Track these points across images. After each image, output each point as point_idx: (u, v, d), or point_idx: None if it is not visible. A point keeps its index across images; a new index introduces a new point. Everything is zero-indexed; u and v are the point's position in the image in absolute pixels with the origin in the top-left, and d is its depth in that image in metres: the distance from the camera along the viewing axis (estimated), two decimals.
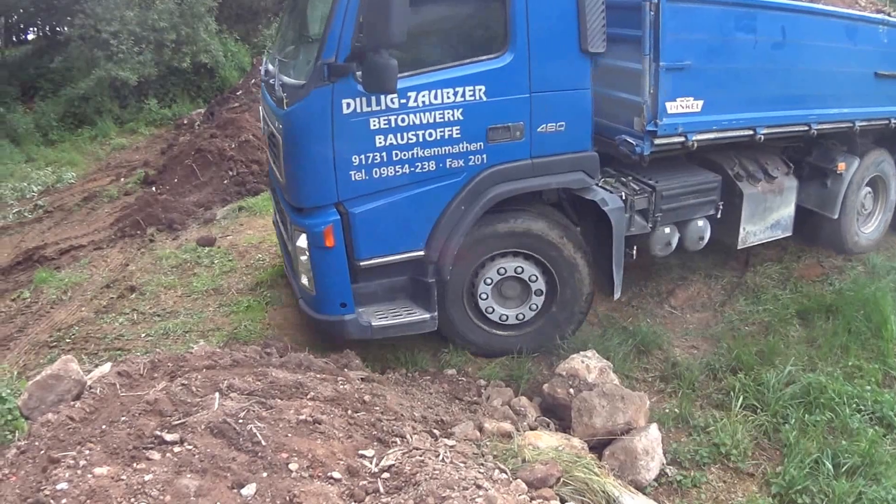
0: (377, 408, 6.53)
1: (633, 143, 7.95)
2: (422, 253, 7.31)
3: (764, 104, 9.02)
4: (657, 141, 7.91)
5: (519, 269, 7.89)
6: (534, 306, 8.20)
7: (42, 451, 5.91)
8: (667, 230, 8.85)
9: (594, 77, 7.50)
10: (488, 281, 7.90)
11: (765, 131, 9.07)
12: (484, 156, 7.07)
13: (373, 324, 7.41)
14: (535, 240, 7.76)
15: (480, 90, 6.86)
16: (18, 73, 24.42)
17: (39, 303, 10.53)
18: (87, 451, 5.56)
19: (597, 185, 8.10)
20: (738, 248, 9.94)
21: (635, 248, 8.72)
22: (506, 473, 5.51)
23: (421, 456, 5.52)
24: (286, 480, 5.21)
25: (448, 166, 7.02)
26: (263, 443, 5.51)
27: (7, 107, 21.80)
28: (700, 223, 9.24)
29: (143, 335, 9.28)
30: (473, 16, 7.17)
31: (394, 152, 6.80)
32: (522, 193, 7.59)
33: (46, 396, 6.80)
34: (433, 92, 6.75)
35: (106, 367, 7.26)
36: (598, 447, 6.73)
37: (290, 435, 5.66)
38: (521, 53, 6.91)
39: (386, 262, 7.30)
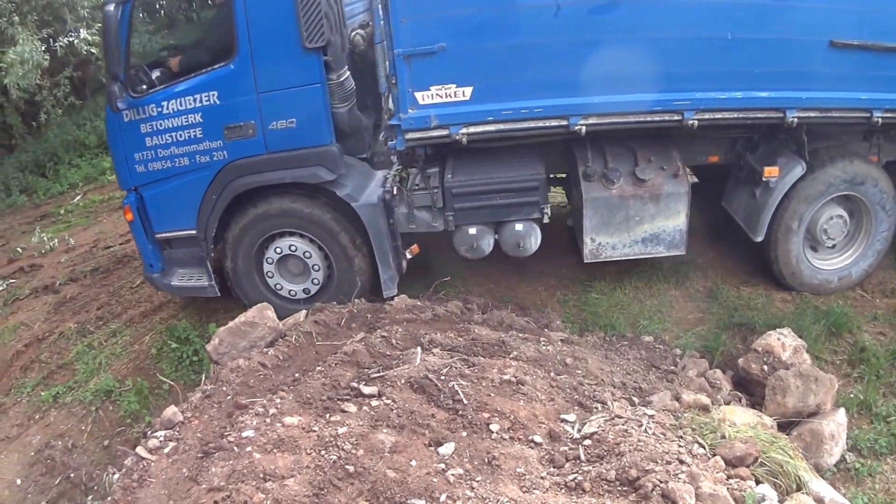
0: (579, 371, 6.34)
1: (393, 137, 7.56)
2: (194, 231, 8.14)
3: (584, 88, 7.25)
4: (409, 135, 7.35)
5: (293, 248, 8.17)
6: (315, 281, 8.34)
7: (229, 397, 5.92)
8: (472, 231, 7.89)
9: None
10: (270, 259, 8.27)
11: (586, 121, 7.35)
12: (224, 152, 7.69)
13: (172, 283, 8.54)
14: (304, 221, 8.03)
15: (214, 95, 7.52)
16: None
17: None
18: (278, 400, 5.49)
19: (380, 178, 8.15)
20: (587, 261, 8.20)
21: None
22: (704, 448, 5.23)
23: (624, 425, 5.26)
24: (486, 441, 5.01)
25: (198, 161, 7.79)
26: (465, 401, 5.32)
27: None
28: (519, 227, 7.90)
29: None
30: (209, 31, 8.07)
31: (158, 150, 7.83)
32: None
33: (238, 342, 6.83)
34: (179, 100, 7.60)
35: (301, 315, 7.14)
36: (783, 426, 6.51)
37: (492, 394, 5.46)
38: (245, 58, 7.35)
39: (175, 236, 8.32)
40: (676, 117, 7.42)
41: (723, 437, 5.41)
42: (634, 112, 7.42)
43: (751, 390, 7.23)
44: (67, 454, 8.16)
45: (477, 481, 4.64)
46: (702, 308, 8.59)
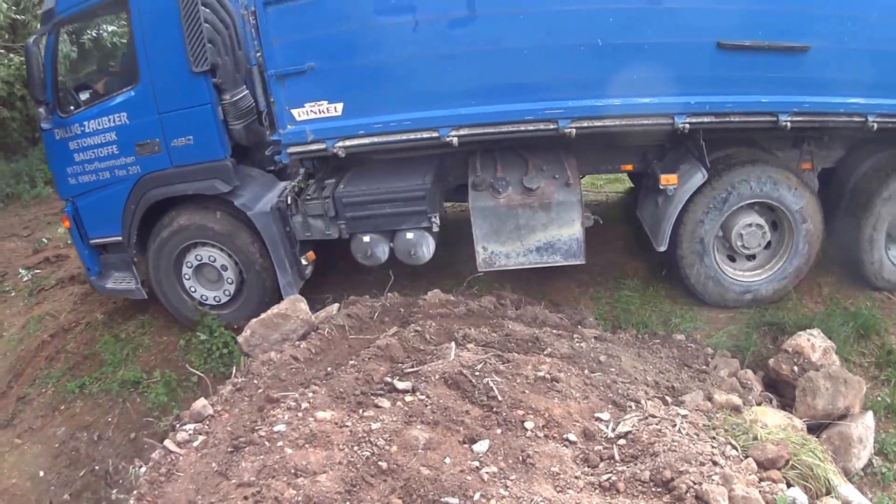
0: (612, 369, 6.27)
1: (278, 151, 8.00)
2: (120, 238, 8.74)
3: (451, 99, 7.30)
4: (290, 150, 7.76)
5: (210, 258, 8.63)
6: (227, 291, 8.78)
7: (260, 390, 5.86)
8: (366, 239, 8.08)
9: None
10: (189, 264, 8.72)
11: (457, 133, 7.37)
12: (137, 167, 8.27)
13: (107, 286, 9.18)
14: (214, 232, 8.48)
15: (124, 115, 8.10)
16: None
17: None
18: (311, 394, 5.43)
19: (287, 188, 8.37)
20: (481, 270, 8.09)
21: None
22: (736, 450, 5.13)
23: (658, 424, 5.18)
24: (520, 439, 4.94)
25: (117, 175, 8.38)
26: (500, 398, 5.24)
27: None
28: (410, 235, 7.99)
29: None
30: (122, 58, 8.71)
31: (85, 165, 8.47)
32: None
33: (270, 335, 6.81)
34: (97, 120, 8.22)
35: (333, 308, 7.10)
36: (811, 429, 6.42)
37: (527, 392, 5.39)
38: (146, 83, 7.92)
39: (107, 242, 8.93)
40: (551, 126, 7.30)
41: (755, 438, 5.33)
42: (506, 122, 7.36)
43: (781, 391, 7.19)
44: (92, 446, 8.16)
45: (511, 480, 4.57)
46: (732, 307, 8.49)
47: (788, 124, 7.33)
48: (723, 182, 7.91)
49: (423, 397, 5.22)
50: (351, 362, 5.90)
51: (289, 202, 8.12)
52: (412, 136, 7.45)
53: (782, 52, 7.09)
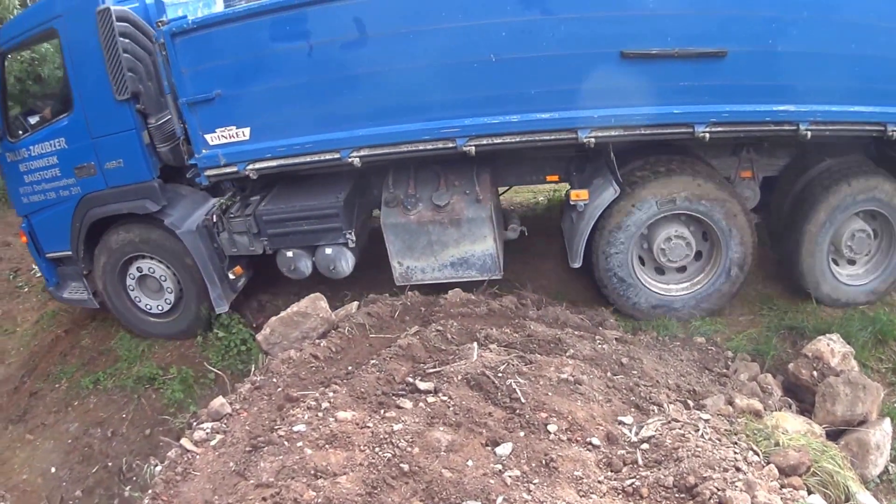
0: (634, 371, 6.20)
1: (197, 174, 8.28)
2: (69, 253, 9.08)
3: (349, 121, 7.39)
4: (207, 173, 8.05)
5: (150, 269, 8.94)
6: (168, 298, 9.05)
7: (279, 389, 5.81)
8: (289, 254, 8.35)
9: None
10: (132, 275, 9.02)
11: (358, 153, 7.47)
12: (78, 187, 8.59)
13: (63, 295, 9.58)
14: (152, 246, 8.80)
15: (63, 140, 8.45)
16: None
17: None
18: (331, 393, 5.37)
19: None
20: (398, 284, 8.15)
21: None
22: (758, 456, 5.09)
23: (681, 429, 5.11)
24: (543, 442, 4.86)
25: (61, 195, 8.73)
26: (523, 400, 5.17)
27: None
28: (328, 251, 8.20)
29: None
30: (60, 88, 8.93)
31: (34, 186, 8.85)
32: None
33: (290, 333, 6.78)
34: (40, 145, 8.60)
35: (353, 306, 7.06)
36: (829, 435, 6.33)
37: (549, 394, 5.31)
38: (79, 110, 8.23)
39: (61, 256, 9.26)
40: (450, 144, 7.27)
41: (776, 444, 5.31)
42: (405, 142, 7.38)
43: (799, 396, 7.12)
44: (106, 442, 8.13)
45: (534, 484, 4.50)
46: (753, 311, 8.46)
47: (706, 135, 7.07)
48: (637, 196, 7.70)
49: (445, 398, 5.16)
50: (372, 362, 5.86)
51: (215, 220, 8.45)
52: (316, 157, 7.63)
53: (696, 58, 6.83)
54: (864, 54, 6.86)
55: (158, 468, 5.32)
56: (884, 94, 7.12)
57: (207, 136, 7.76)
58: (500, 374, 5.40)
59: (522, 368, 5.52)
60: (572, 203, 7.73)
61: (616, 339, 6.85)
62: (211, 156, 7.83)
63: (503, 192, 9.48)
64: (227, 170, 7.90)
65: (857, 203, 7.89)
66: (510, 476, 4.54)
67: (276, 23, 7.15)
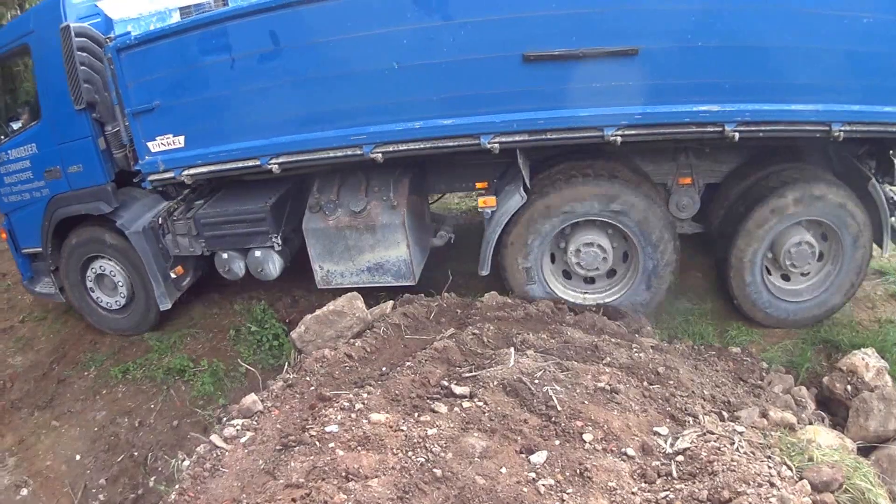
0: (671, 381, 6.07)
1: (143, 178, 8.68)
2: (40, 249, 9.71)
3: (268, 130, 7.64)
4: (150, 178, 8.44)
5: (102, 268, 9.49)
6: (122, 295, 9.53)
7: (312, 388, 5.77)
8: (224, 255, 8.70)
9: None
10: (90, 276, 9.57)
11: (277, 160, 7.66)
12: (47, 189, 9.19)
13: (36, 289, 10.22)
14: (105, 246, 9.29)
15: (33, 146, 9.09)
16: None
17: None
18: (365, 395, 5.31)
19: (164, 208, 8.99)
20: (319, 287, 8.35)
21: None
22: (791, 471, 4.95)
23: (716, 441, 4.98)
24: (578, 451, 4.77)
25: (34, 196, 9.36)
26: (559, 408, 5.08)
27: None
28: (258, 253, 8.50)
29: None
30: (32, 97, 9.21)
31: (12, 187, 9.50)
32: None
33: (325, 331, 6.77)
34: (16, 149, 9.24)
35: (387, 306, 7.02)
36: (861, 451, 6.23)
37: (586, 402, 5.21)
38: (47, 118, 8.85)
39: (34, 252, 9.92)
40: (358, 151, 7.41)
41: (810, 459, 5.19)
42: (318, 149, 7.58)
43: (832, 409, 7.07)
44: (133, 432, 8.13)
45: (568, 493, 4.42)
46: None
47: (618, 139, 6.83)
48: (543, 204, 7.60)
49: (480, 403, 5.10)
50: (407, 363, 5.80)
51: (160, 222, 8.87)
52: (240, 164, 7.94)
53: (604, 58, 6.59)
54: (803, 46, 6.48)
55: (186, 463, 5.28)
56: (827, 90, 6.68)
57: (149, 144, 8.20)
58: (536, 381, 5.32)
59: (559, 375, 5.44)
60: (480, 210, 7.80)
61: (652, 347, 6.75)
62: (152, 162, 8.25)
63: (436, 200, 9.65)
64: (166, 175, 8.31)
65: (793, 215, 7.53)
66: (544, 485, 4.46)
67: (202, 38, 7.48)
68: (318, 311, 6.96)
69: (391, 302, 7.39)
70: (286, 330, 8.41)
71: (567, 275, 8.09)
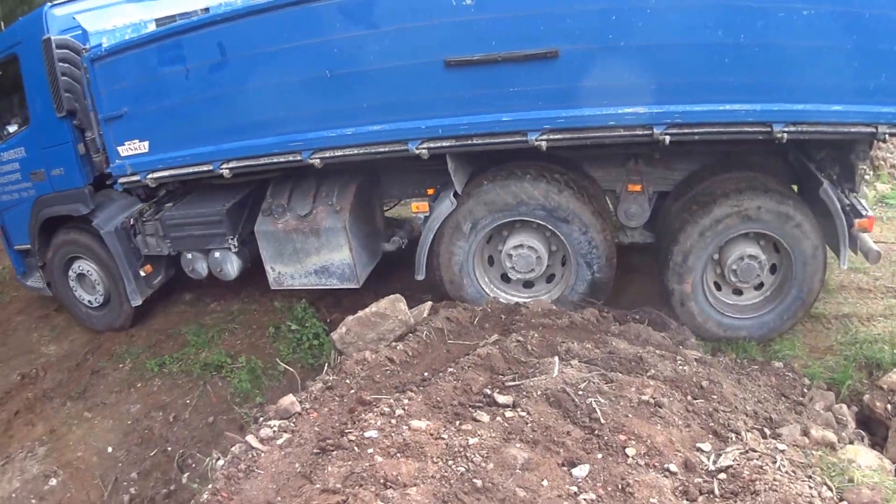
0: (714, 396, 5.94)
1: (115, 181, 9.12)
2: (29, 246, 10.29)
3: (219, 136, 8.04)
4: (121, 180, 8.94)
5: (81, 268, 9.99)
6: (100, 294, 10.01)
7: (352, 391, 5.70)
8: (188, 256, 9.14)
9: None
10: (72, 274, 10.11)
11: (226, 166, 8.09)
12: (33, 190, 9.74)
13: (28, 283, 10.86)
14: (83, 247, 9.83)
15: (22, 150, 9.63)
16: None
17: None
18: (406, 400, 5.23)
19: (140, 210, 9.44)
20: (273, 287, 8.72)
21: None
22: (832, 492, 4.83)
23: (758, 460, 4.87)
24: (621, 466, 4.67)
25: (22, 196, 9.92)
26: (602, 420, 4.99)
27: None
28: (216, 255, 8.93)
29: None
30: (22, 104, 9.61)
31: (4, 186, 10.07)
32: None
33: (366, 334, 6.73)
34: (8, 152, 9.78)
35: (425, 309, 7.02)
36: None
37: (629, 415, 5.11)
38: (33, 124, 9.39)
39: (26, 248, 10.43)
40: (297, 157, 7.68)
41: (850, 480, 5.08)
42: (261, 155, 7.92)
43: (872, 429, 6.91)
44: (167, 426, 8.14)
45: None
46: (832, 338, 8.17)
47: (543, 144, 6.82)
48: (469, 207, 7.77)
49: (523, 414, 5.01)
50: (449, 370, 5.74)
51: (132, 222, 9.34)
52: (195, 169, 8.37)
53: (523, 61, 6.59)
54: (735, 42, 6.25)
55: (220, 462, 5.23)
56: (766, 88, 6.41)
57: (119, 149, 8.67)
58: (580, 392, 5.24)
59: (603, 387, 5.35)
60: (413, 215, 8.16)
61: (696, 360, 6.64)
62: (121, 166, 8.74)
63: (393, 206, 9.68)
64: (133, 178, 8.77)
65: (732, 227, 7.31)
66: (585, 499, 4.36)
67: (161, 49, 7.96)
68: (360, 313, 6.92)
69: (429, 303, 7.37)
70: (326, 330, 8.43)
71: (506, 278, 8.20)
